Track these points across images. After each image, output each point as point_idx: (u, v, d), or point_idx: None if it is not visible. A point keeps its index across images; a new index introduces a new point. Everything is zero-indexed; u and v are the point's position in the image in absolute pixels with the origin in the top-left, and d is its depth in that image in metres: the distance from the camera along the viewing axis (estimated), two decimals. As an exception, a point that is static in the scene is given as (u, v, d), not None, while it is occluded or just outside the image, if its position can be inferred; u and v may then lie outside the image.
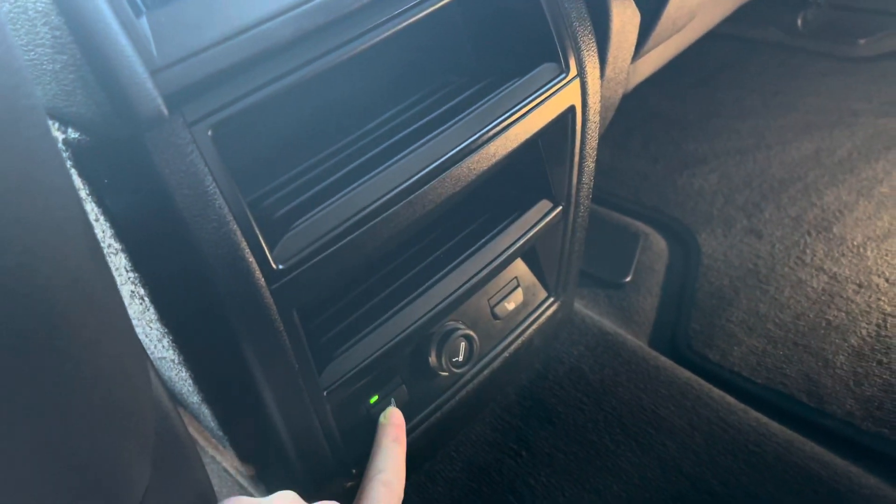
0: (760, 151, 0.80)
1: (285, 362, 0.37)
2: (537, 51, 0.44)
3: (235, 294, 0.33)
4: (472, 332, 0.49)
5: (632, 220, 0.75)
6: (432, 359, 0.49)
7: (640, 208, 0.76)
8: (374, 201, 0.36)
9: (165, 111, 0.28)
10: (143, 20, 0.28)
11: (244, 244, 0.33)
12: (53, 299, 0.17)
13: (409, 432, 0.49)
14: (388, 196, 0.36)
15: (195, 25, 0.28)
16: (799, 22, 0.96)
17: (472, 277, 0.45)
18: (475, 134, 0.39)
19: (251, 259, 0.33)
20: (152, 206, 0.31)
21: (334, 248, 0.36)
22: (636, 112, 0.86)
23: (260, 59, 0.31)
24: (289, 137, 0.41)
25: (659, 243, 0.71)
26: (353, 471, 0.47)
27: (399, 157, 0.38)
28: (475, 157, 0.40)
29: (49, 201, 0.18)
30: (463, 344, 0.49)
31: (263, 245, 0.33)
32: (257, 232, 0.33)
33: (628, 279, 0.68)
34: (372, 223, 0.37)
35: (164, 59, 0.28)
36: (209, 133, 0.31)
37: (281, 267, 0.34)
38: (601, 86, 0.49)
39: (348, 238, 0.36)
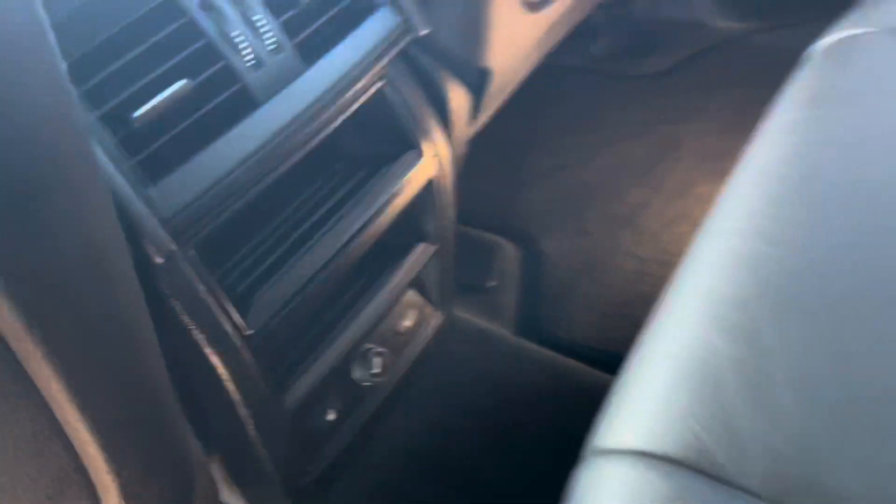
0: (578, 164, 1.00)
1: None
2: (401, 140, 0.60)
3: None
4: (384, 349, 0.65)
5: (489, 233, 0.93)
6: (358, 374, 0.64)
7: (494, 222, 0.95)
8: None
9: (174, 246, 0.42)
10: (152, 189, 0.41)
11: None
12: None
13: (342, 436, 0.64)
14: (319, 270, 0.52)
15: (189, 185, 0.42)
16: (594, 48, 1.18)
17: (378, 311, 0.62)
18: (366, 216, 0.55)
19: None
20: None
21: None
22: (477, 142, 1.05)
23: (231, 193, 0.45)
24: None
25: (511, 250, 0.90)
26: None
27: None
28: (370, 230, 0.56)
29: None
30: (377, 359, 0.65)
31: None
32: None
33: (493, 283, 0.87)
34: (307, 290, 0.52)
35: (169, 212, 0.42)
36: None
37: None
38: (451, 151, 0.65)
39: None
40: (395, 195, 0.58)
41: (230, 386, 0.50)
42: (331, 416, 0.63)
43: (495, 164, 1.02)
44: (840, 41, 0.56)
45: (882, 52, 0.52)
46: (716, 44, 1.15)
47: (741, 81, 1.06)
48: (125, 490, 0.35)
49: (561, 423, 0.70)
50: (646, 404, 0.39)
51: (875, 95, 0.51)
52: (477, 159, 1.02)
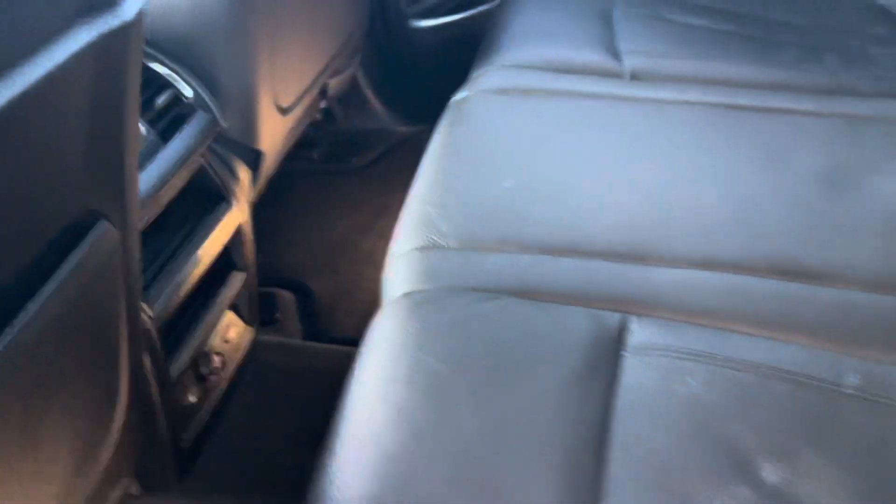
0: (327, 228, 1.35)
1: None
2: (215, 197, 0.89)
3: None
4: (219, 352, 0.91)
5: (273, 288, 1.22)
6: (203, 369, 0.89)
7: (274, 274, 1.23)
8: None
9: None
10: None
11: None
12: None
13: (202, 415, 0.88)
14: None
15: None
16: (315, 154, 1.56)
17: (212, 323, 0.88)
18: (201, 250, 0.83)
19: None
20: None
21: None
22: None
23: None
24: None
25: (287, 293, 1.20)
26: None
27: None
28: (205, 259, 0.84)
29: None
30: (216, 357, 0.90)
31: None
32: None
33: (278, 316, 1.15)
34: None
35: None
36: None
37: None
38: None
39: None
40: (217, 236, 0.87)
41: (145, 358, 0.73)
42: (192, 399, 0.87)
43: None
44: (456, 103, 0.94)
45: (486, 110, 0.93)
46: (399, 142, 1.60)
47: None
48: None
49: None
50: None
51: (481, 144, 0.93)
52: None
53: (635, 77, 0.88)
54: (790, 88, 0.85)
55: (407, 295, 0.64)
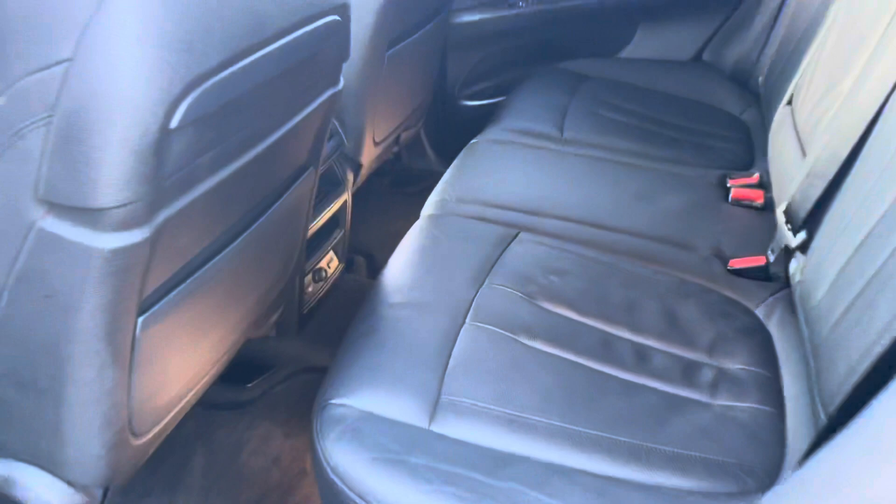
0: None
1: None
2: (337, 181, 1.62)
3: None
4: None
5: (353, 254, 1.94)
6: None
7: (354, 246, 1.96)
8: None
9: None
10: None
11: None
12: None
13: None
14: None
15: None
16: (386, 181, 2.31)
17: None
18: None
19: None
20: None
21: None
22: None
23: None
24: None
25: (360, 259, 1.92)
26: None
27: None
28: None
29: None
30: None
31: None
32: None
33: (354, 268, 1.87)
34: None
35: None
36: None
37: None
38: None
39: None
40: (333, 206, 1.60)
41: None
42: (309, 289, 1.58)
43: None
44: (470, 146, 1.69)
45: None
46: (443, 179, 2.34)
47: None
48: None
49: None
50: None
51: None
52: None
53: (568, 142, 1.59)
54: (654, 157, 1.55)
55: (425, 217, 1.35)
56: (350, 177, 1.68)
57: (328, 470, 0.80)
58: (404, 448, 0.80)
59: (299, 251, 1.36)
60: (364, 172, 1.77)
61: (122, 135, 0.68)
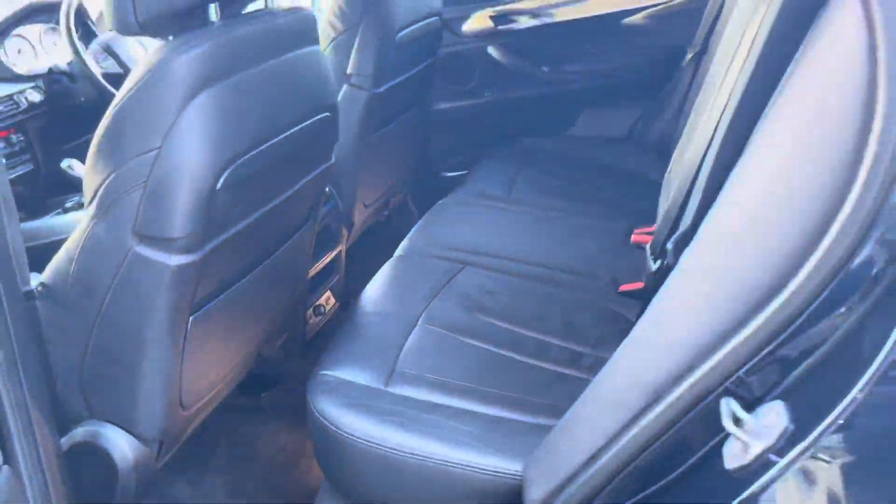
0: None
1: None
2: (333, 236, 2.05)
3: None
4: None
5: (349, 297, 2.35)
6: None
7: (350, 287, 2.38)
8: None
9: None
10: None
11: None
12: None
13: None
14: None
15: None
16: (377, 239, 2.74)
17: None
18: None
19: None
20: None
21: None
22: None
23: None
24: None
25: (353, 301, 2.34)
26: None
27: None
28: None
29: None
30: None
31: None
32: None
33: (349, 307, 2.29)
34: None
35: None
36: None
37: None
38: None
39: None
40: (330, 255, 2.02)
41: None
42: (311, 321, 1.99)
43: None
44: (439, 205, 2.12)
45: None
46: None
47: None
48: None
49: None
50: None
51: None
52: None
53: (513, 202, 2.03)
54: (579, 212, 1.98)
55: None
56: (345, 232, 2.11)
57: (316, 412, 1.20)
58: (367, 399, 1.20)
59: (301, 287, 1.78)
60: (357, 229, 2.20)
61: (188, 193, 1.11)
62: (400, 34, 1.99)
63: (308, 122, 1.38)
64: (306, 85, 1.37)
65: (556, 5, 2.42)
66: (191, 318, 1.25)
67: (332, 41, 1.94)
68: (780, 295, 0.71)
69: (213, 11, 1.17)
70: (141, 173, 1.11)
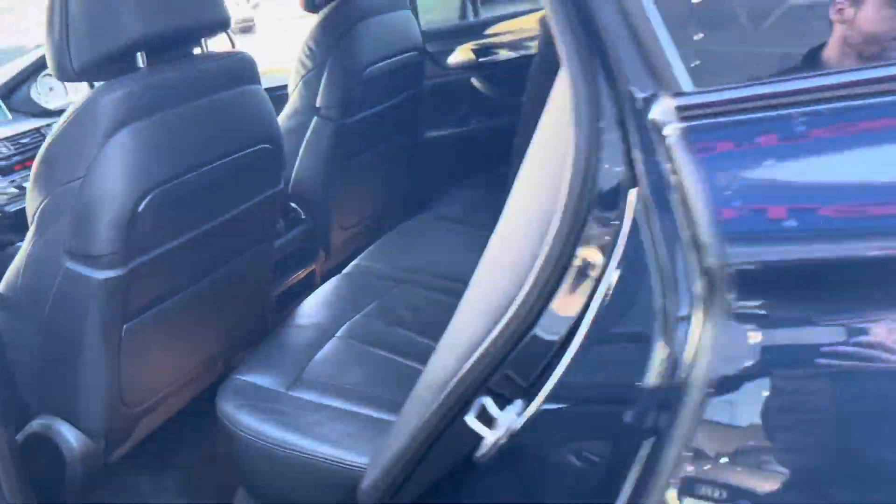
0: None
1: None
2: (306, 257, 2.20)
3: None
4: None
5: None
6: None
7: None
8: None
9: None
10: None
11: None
12: None
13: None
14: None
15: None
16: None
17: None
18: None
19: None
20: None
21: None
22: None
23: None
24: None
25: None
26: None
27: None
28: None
29: None
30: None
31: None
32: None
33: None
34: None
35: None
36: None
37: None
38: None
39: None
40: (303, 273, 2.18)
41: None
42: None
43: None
44: (405, 226, 2.24)
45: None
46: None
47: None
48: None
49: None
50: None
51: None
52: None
53: (473, 224, 2.15)
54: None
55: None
56: (322, 253, 2.27)
57: (218, 412, 1.35)
58: (265, 401, 1.34)
59: (265, 303, 1.93)
60: (339, 251, 2.35)
61: (109, 216, 1.28)
62: (369, 69, 2.14)
63: (241, 153, 1.53)
64: (240, 120, 1.54)
65: (533, 38, 2.53)
66: (125, 326, 1.42)
67: (301, 77, 2.12)
68: (514, 302, 0.81)
69: (140, 59, 1.35)
70: (69, 198, 1.29)
